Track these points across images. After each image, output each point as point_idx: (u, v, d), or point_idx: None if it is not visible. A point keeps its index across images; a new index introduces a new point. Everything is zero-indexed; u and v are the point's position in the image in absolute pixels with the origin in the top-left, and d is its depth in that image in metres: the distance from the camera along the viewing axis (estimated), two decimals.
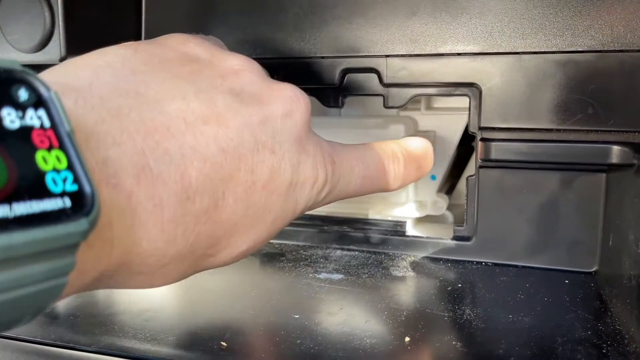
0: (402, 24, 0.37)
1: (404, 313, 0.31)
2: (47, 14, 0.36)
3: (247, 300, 0.33)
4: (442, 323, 0.29)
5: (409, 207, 0.43)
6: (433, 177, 0.43)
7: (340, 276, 0.36)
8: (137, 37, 0.43)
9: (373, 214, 0.43)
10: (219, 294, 0.35)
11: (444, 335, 0.28)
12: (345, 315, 0.30)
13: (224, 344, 0.27)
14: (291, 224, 0.42)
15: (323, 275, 0.36)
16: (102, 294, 0.34)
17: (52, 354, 0.28)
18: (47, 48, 0.37)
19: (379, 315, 0.31)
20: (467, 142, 0.42)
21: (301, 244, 0.43)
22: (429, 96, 0.42)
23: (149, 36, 0.42)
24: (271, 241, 0.43)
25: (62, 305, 0.32)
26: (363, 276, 0.36)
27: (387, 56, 0.38)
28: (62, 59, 0.37)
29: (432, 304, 0.32)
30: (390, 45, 0.37)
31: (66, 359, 0.28)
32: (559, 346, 0.26)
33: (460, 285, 0.34)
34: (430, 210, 0.44)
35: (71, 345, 0.28)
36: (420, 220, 0.44)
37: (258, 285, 0.36)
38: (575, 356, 0.25)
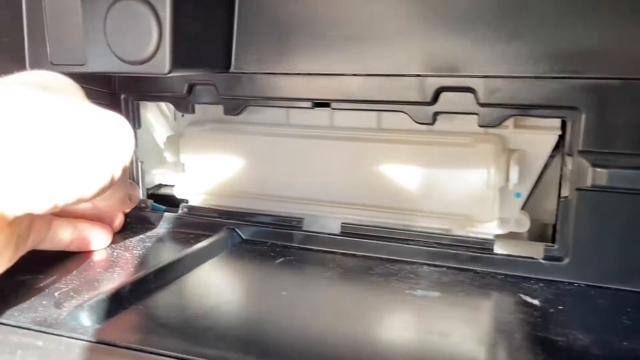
0: (502, 45, 0.37)
1: (516, 336, 0.31)
2: (155, 28, 0.37)
3: (354, 317, 0.34)
4: (559, 349, 0.30)
5: (492, 224, 0.43)
6: (518, 195, 0.44)
7: (437, 294, 0.37)
8: (228, 56, 0.43)
9: (456, 230, 0.44)
10: (324, 311, 0.35)
11: None
12: (459, 337, 0.31)
13: None
14: (376, 238, 0.43)
15: (419, 293, 0.37)
16: (209, 307, 0.35)
17: None
18: (153, 61, 0.37)
19: (491, 337, 0.31)
20: None
21: (385, 257, 0.43)
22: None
23: (239, 56, 0.43)
24: (355, 253, 0.43)
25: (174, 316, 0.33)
26: (460, 295, 0.37)
27: (485, 77, 0.38)
28: (168, 72, 0.37)
29: (541, 327, 0.32)
30: (489, 65, 0.38)
31: None
32: None
33: (561, 307, 0.35)
34: (514, 227, 0.44)
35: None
36: (500, 237, 0.44)
37: (359, 301, 0.36)
38: None
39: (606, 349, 0.29)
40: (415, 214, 0.45)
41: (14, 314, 0.33)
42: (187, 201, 0.53)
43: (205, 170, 0.52)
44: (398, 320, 0.33)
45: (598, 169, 0.35)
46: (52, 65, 0.40)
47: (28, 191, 0.28)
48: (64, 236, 0.41)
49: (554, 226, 0.50)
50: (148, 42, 0.37)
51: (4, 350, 0.29)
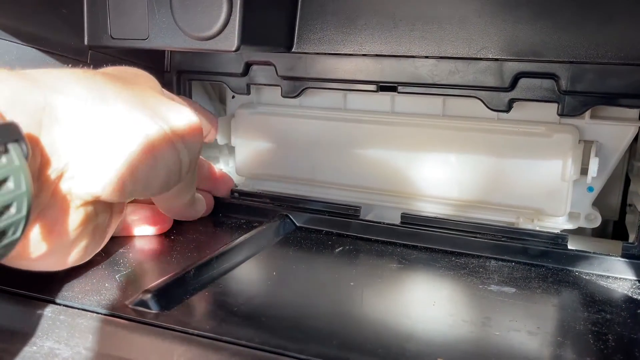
0: (590, 30, 0.35)
1: (607, 336, 0.29)
2: (225, 2, 0.35)
3: (432, 310, 0.32)
4: None
5: (561, 218, 0.41)
6: (590, 189, 0.42)
7: (512, 290, 0.35)
8: (291, 35, 0.41)
9: (524, 223, 0.42)
10: (400, 304, 0.34)
11: None
12: (546, 335, 0.29)
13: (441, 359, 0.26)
14: (438, 229, 0.41)
15: (494, 288, 0.35)
16: (274, 298, 0.33)
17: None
18: (220, 37, 0.36)
19: (582, 338, 0.29)
20: None
21: (449, 249, 0.41)
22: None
23: (302, 35, 0.41)
24: (416, 244, 0.42)
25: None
26: (537, 291, 0.35)
27: (571, 62, 0.36)
28: (236, 49, 0.35)
29: (629, 327, 0.30)
30: (574, 50, 0.36)
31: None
32: None
33: None
34: (583, 223, 0.42)
35: (266, 347, 0.27)
36: (572, 233, 0.42)
37: (433, 295, 0.35)
38: None
39: None
40: (480, 206, 0.43)
41: (78, 297, 0.31)
42: (236, 186, 0.51)
43: (256, 154, 0.51)
44: (479, 317, 0.32)
45: None
46: (112, 39, 0.39)
47: (100, 176, 0.27)
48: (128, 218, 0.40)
49: (615, 223, 0.49)
50: (217, 17, 0.35)
51: (73, 334, 0.28)
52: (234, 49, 0.35)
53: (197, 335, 0.28)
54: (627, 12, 0.34)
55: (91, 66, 0.43)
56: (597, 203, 0.44)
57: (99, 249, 0.33)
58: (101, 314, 0.29)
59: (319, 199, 0.47)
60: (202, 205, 0.44)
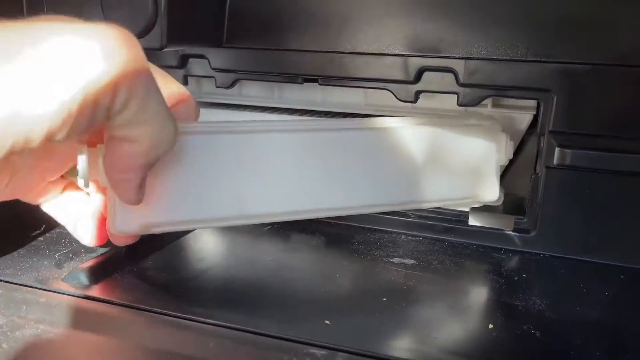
0: (482, 29, 0.39)
1: (482, 301, 0.34)
2: (151, 2, 0.38)
3: (335, 281, 0.37)
4: (518, 312, 0.33)
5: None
6: None
7: (412, 261, 0.39)
8: (220, 32, 0.45)
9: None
10: (307, 273, 0.38)
11: (522, 323, 0.31)
12: (430, 301, 0.34)
13: (327, 322, 0.31)
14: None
15: (396, 260, 0.40)
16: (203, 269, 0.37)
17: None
18: (148, 36, 0.39)
19: (460, 302, 0.34)
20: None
21: (367, 226, 0.46)
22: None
23: (230, 32, 0.45)
24: (339, 222, 0.46)
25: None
26: (434, 262, 0.39)
27: (466, 58, 0.40)
28: (162, 48, 0.39)
29: (504, 293, 0.35)
30: (469, 48, 0.40)
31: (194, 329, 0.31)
32: (629, 339, 0.29)
33: (525, 275, 0.38)
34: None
35: (183, 315, 0.31)
36: (475, 210, 0.47)
37: (339, 267, 0.39)
38: None
39: (560, 313, 0.32)
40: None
41: (18, 273, 0.35)
42: None
43: None
44: (374, 286, 0.36)
45: (563, 149, 0.37)
46: None
47: None
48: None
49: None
50: (144, 17, 0.38)
51: (9, 305, 0.32)
52: (159, 47, 0.39)
53: (120, 305, 0.32)
54: (511, 14, 0.38)
55: None
56: (514, 182, 0.49)
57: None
58: (36, 287, 0.33)
59: None
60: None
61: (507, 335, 0.30)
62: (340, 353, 0.27)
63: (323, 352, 0.27)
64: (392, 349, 0.29)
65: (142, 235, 0.33)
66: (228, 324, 0.30)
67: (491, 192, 0.42)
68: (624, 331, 0.30)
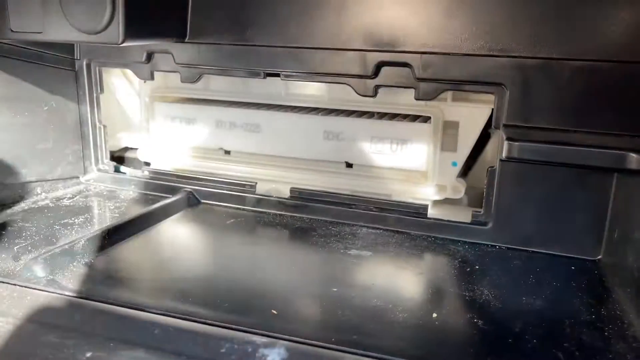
0: (436, 24, 0.39)
1: (430, 291, 0.35)
2: (109, 1, 0.38)
3: (290, 272, 0.37)
4: (464, 302, 0.33)
5: (429, 190, 0.46)
6: (454, 164, 0.47)
7: (369, 253, 0.40)
8: (183, 27, 0.45)
9: (396, 196, 0.47)
10: (263, 265, 0.39)
11: (466, 313, 0.32)
12: (379, 291, 0.34)
13: (274, 311, 0.31)
14: (321, 202, 0.46)
15: (353, 252, 0.40)
16: (155, 263, 0.38)
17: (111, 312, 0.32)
18: (107, 31, 0.39)
19: (407, 292, 0.35)
20: (485, 130, 0.45)
21: (330, 219, 0.46)
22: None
23: (194, 27, 0.45)
24: (302, 216, 0.47)
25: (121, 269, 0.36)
26: (389, 254, 0.40)
27: (421, 53, 0.41)
28: (121, 43, 0.39)
29: (454, 284, 0.36)
30: (424, 42, 0.40)
31: (129, 318, 0.32)
32: (567, 327, 0.30)
33: (477, 267, 0.38)
34: (450, 194, 0.47)
35: (132, 305, 0.32)
36: (438, 202, 0.47)
37: (296, 259, 0.40)
38: (580, 337, 0.29)
39: (504, 303, 0.33)
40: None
41: None
42: (149, 164, 0.55)
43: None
44: (327, 276, 0.37)
45: (511, 142, 0.38)
46: (12, 32, 0.42)
47: None
48: None
49: None
50: (102, 13, 0.39)
51: None
52: (119, 42, 0.39)
53: (72, 296, 0.32)
54: (465, 9, 0.38)
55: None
56: (477, 175, 0.49)
57: None
58: None
59: (221, 176, 0.51)
60: None
61: (448, 324, 0.31)
62: (280, 341, 0.28)
63: (264, 339, 0.28)
64: (332, 338, 0.29)
65: (100, 230, 0.34)
66: (173, 313, 0.30)
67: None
68: (564, 319, 0.31)
